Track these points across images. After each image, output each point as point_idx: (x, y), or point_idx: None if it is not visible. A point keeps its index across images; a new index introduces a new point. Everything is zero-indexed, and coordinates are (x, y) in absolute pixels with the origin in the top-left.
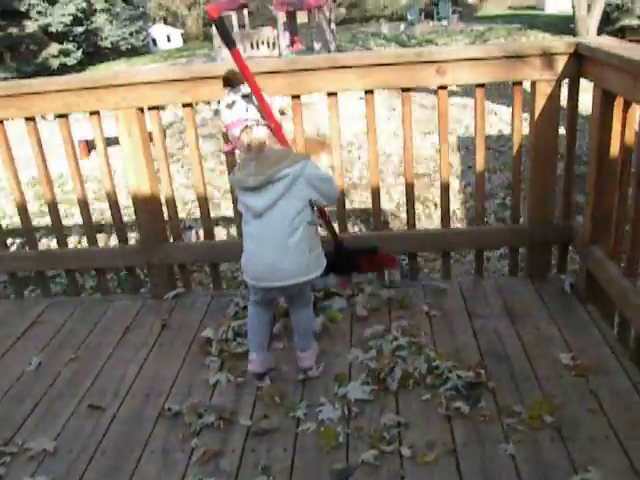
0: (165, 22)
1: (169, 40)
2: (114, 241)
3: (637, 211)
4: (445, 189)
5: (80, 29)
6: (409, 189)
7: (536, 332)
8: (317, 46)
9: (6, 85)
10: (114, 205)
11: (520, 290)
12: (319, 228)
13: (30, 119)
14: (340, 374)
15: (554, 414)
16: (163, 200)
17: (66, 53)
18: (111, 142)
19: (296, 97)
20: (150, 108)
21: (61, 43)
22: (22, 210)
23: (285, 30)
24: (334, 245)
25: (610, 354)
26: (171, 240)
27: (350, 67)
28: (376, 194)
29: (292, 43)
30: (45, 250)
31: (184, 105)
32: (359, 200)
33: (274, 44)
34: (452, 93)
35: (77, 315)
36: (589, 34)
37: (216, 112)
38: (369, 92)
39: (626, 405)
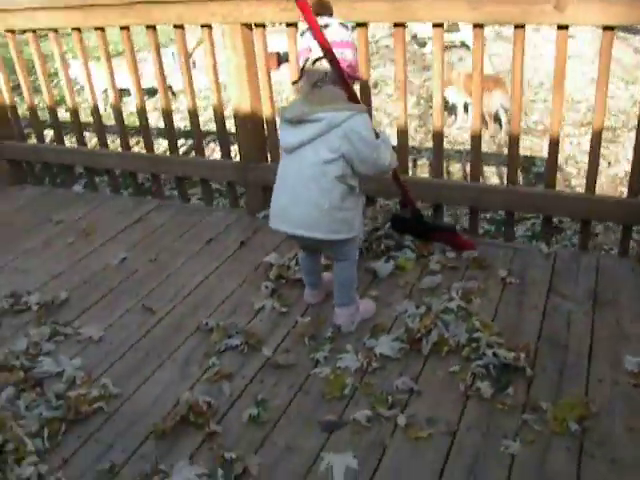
0: None
1: None
2: None
3: None
4: (554, 145)
5: None
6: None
7: (614, 325)
8: None
9: None
10: (219, 119)
11: (622, 275)
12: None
13: (150, 27)
14: (379, 325)
15: (584, 422)
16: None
17: None
18: None
19: (400, 25)
20: (257, 25)
21: None
22: (141, 114)
23: None
24: (410, 211)
25: None
26: (269, 161)
27: None
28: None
29: None
30: (157, 155)
31: (288, 24)
32: (526, 146)
33: None
34: None
35: (176, 220)
36: None
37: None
38: (478, 26)
39: None
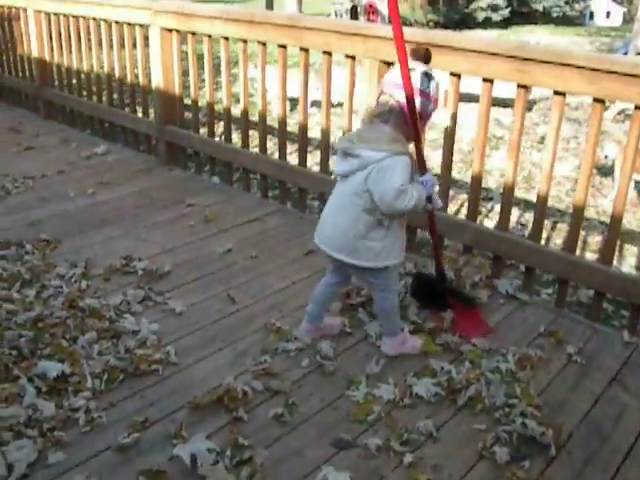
0: None
1: (607, 16)
2: None
3: None
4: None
5: None
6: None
7: None
8: None
9: (288, 17)
10: None
11: None
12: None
13: (303, 49)
14: (428, 366)
15: None
16: None
17: (494, 9)
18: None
19: (522, 87)
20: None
21: None
22: (282, 124)
23: None
24: (436, 273)
25: None
26: None
27: (576, 67)
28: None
29: None
30: (284, 162)
31: None
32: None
33: None
34: None
35: (288, 227)
36: None
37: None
38: (599, 101)
39: None
